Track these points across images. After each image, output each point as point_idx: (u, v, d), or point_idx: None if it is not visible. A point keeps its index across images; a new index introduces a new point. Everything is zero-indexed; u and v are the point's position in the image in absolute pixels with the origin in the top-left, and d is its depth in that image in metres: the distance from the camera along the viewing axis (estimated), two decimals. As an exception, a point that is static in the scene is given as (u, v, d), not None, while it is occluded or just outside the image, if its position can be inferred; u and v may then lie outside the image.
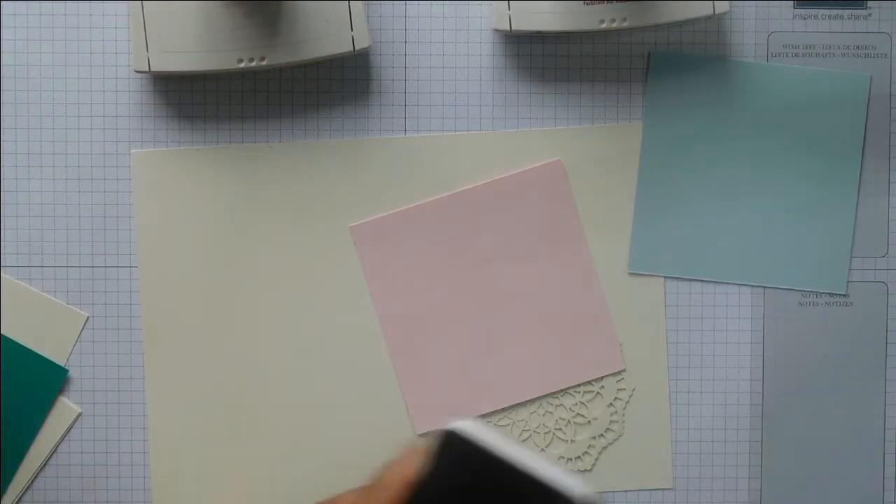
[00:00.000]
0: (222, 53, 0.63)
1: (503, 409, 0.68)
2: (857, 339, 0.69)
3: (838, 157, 0.68)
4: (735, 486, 0.69)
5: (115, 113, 0.67)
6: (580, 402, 0.68)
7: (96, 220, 0.67)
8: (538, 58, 0.68)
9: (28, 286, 0.67)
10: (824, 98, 0.68)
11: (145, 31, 0.63)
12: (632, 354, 0.68)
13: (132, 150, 0.67)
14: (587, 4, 0.63)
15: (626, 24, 0.64)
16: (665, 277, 0.68)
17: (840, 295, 0.68)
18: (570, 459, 0.68)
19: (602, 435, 0.68)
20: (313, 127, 0.67)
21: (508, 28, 0.64)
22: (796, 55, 0.68)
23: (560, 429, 0.68)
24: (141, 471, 0.67)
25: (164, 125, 0.67)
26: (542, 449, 0.68)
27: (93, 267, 0.67)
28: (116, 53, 0.67)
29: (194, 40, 0.63)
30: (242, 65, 0.63)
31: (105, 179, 0.67)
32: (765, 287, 0.68)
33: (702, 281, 0.68)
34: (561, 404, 0.68)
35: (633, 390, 0.68)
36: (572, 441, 0.68)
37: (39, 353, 0.66)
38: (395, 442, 0.67)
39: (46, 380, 0.66)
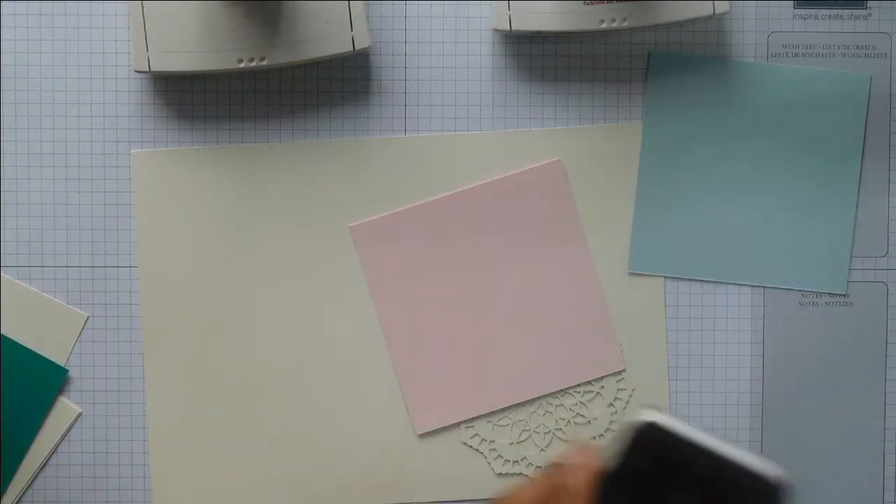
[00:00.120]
0: (222, 53, 0.63)
1: (503, 409, 0.68)
2: (857, 339, 0.69)
3: (838, 157, 0.68)
4: (735, 486, 0.69)
5: (115, 113, 0.67)
6: (580, 402, 0.68)
7: (96, 220, 0.67)
8: (538, 58, 0.68)
9: (28, 286, 0.67)
10: (824, 98, 0.68)
11: (145, 31, 0.63)
12: (632, 354, 0.68)
13: (132, 150, 0.67)
14: (587, 4, 0.63)
15: (626, 24, 0.64)
16: (665, 277, 0.68)
17: (840, 295, 0.68)
18: (570, 459, 0.68)
19: (602, 435, 0.68)
20: (313, 127, 0.67)
21: (508, 28, 0.64)
22: (796, 55, 0.68)
23: (560, 429, 0.68)
24: (141, 471, 0.67)
25: (164, 125, 0.67)
26: (543, 449, 0.68)
27: (93, 267, 0.67)
28: (116, 53, 0.67)
29: (194, 40, 0.63)
30: (242, 65, 0.63)
31: (105, 179, 0.67)
32: (765, 287, 0.68)
33: (702, 281, 0.68)
34: (561, 404, 0.68)
35: (633, 390, 0.68)
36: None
37: (39, 353, 0.66)
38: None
39: (46, 380, 0.66)
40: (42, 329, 0.67)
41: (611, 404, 0.68)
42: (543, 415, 0.68)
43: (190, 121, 0.67)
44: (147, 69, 0.63)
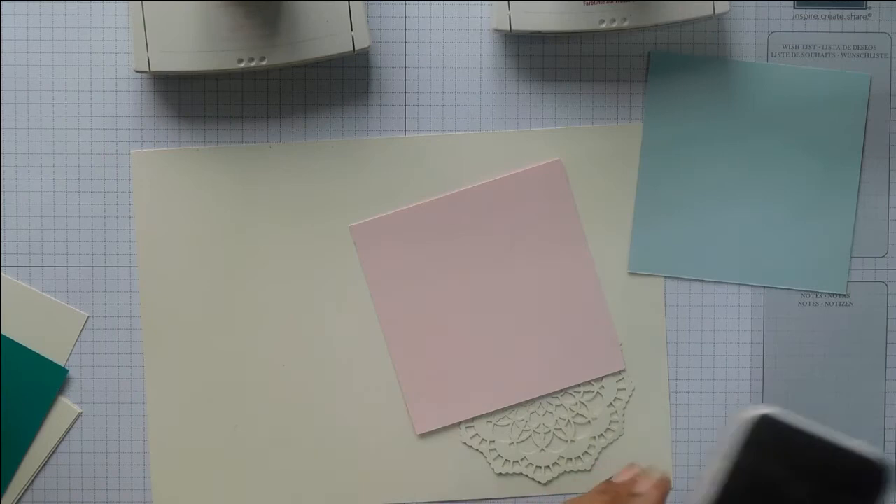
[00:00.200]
0: (222, 53, 0.63)
1: (503, 409, 0.68)
2: (857, 339, 0.69)
3: (838, 157, 0.68)
4: (735, 486, 0.69)
5: (115, 113, 0.67)
6: (580, 402, 0.68)
7: (96, 220, 0.67)
8: (538, 58, 0.68)
9: (28, 286, 0.67)
10: (824, 98, 0.68)
11: (145, 31, 0.63)
12: (632, 354, 0.68)
13: (132, 150, 0.67)
14: (587, 4, 0.63)
15: (626, 24, 0.64)
16: (665, 277, 0.68)
17: (840, 295, 0.68)
18: (570, 459, 0.68)
19: (602, 435, 0.68)
20: (313, 127, 0.67)
21: (508, 28, 0.64)
22: (796, 55, 0.68)
23: (560, 429, 0.68)
24: (141, 471, 0.67)
25: (164, 125, 0.67)
26: (543, 449, 0.68)
27: (93, 267, 0.67)
28: (116, 53, 0.67)
29: (194, 40, 0.63)
30: (242, 65, 0.63)
31: (105, 179, 0.67)
32: (765, 287, 0.68)
33: (702, 281, 0.68)
34: (561, 404, 0.68)
35: (633, 390, 0.68)
36: (572, 441, 0.68)
37: (39, 353, 0.66)
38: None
39: (46, 380, 0.66)
40: (42, 329, 0.67)
41: (611, 404, 0.68)
42: (543, 415, 0.68)
43: (190, 121, 0.67)
44: (147, 69, 0.63)
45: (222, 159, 0.67)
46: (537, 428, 0.68)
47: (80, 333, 0.67)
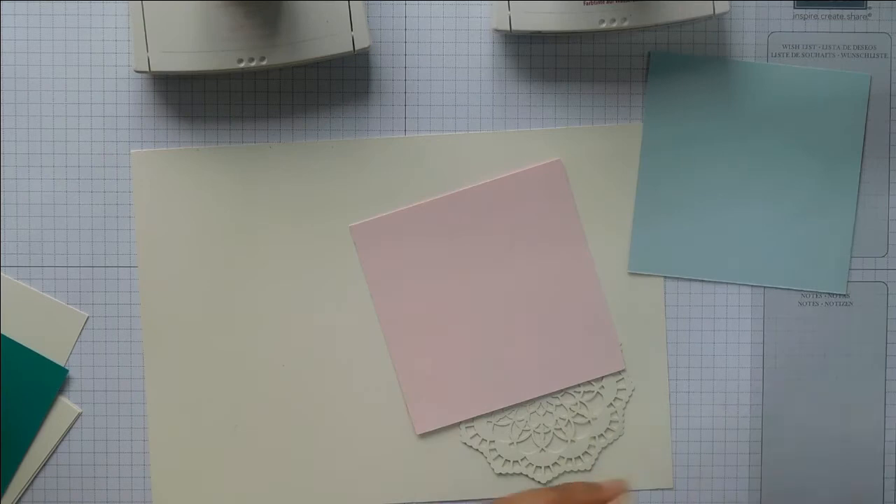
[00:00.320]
0: (222, 53, 0.63)
1: (503, 409, 0.68)
2: (857, 339, 0.69)
3: (838, 157, 0.68)
4: (735, 486, 0.69)
5: (115, 113, 0.67)
6: (580, 402, 0.68)
7: (96, 220, 0.67)
8: (538, 58, 0.68)
9: (28, 286, 0.67)
10: (824, 98, 0.68)
11: (145, 31, 0.63)
12: (632, 354, 0.68)
13: (132, 150, 0.67)
14: (587, 4, 0.63)
15: (626, 24, 0.64)
16: (665, 277, 0.68)
17: (840, 295, 0.68)
18: (570, 459, 0.68)
19: (602, 435, 0.68)
20: (313, 127, 0.67)
21: (508, 28, 0.64)
22: (796, 55, 0.68)
23: (560, 429, 0.68)
24: (141, 471, 0.67)
25: (164, 125, 0.67)
26: (542, 449, 0.68)
27: (93, 267, 0.67)
28: (116, 53, 0.67)
29: (194, 40, 0.63)
30: (242, 65, 0.63)
31: (105, 179, 0.67)
32: (765, 287, 0.68)
33: (702, 281, 0.68)
34: (561, 404, 0.68)
35: (633, 390, 0.68)
36: (572, 441, 0.68)
37: (39, 353, 0.66)
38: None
39: (46, 380, 0.66)
40: (42, 329, 0.67)
41: (611, 404, 0.68)
42: (543, 415, 0.68)
43: (190, 121, 0.67)
44: (147, 69, 0.63)
45: (222, 159, 0.67)
46: (537, 428, 0.68)
47: (80, 333, 0.67)
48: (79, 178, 0.67)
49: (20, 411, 0.66)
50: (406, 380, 0.67)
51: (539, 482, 0.68)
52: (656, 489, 0.68)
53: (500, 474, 0.68)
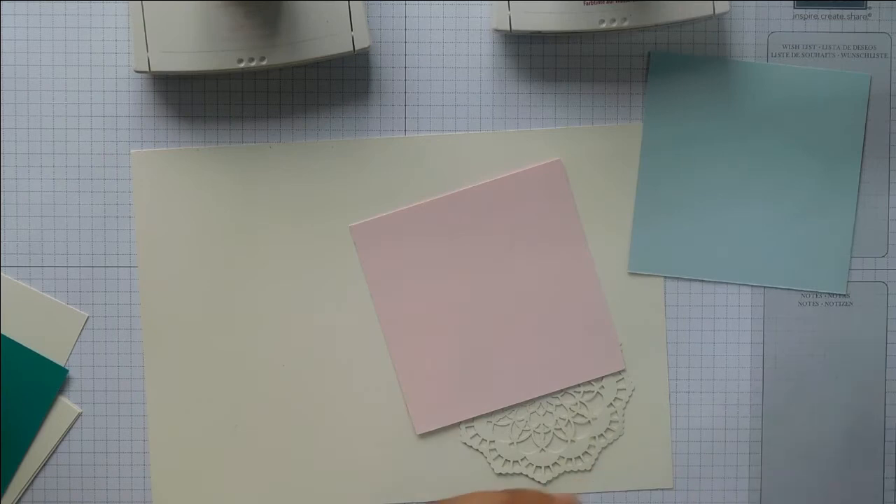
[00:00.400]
0: (222, 53, 0.63)
1: (503, 409, 0.68)
2: (857, 339, 0.69)
3: (838, 157, 0.68)
4: (735, 486, 0.69)
5: (115, 113, 0.67)
6: (580, 402, 0.68)
7: (96, 220, 0.67)
8: (538, 58, 0.68)
9: (28, 286, 0.67)
10: (824, 98, 0.68)
11: (145, 31, 0.63)
12: (632, 354, 0.68)
13: (132, 150, 0.67)
14: (587, 4, 0.63)
15: (626, 24, 0.64)
16: (665, 277, 0.68)
17: (840, 295, 0.68)
18: (570, 459, 0.68)
19: (602, 435, 0.68)
20: (313, 127, 0.67)
21: (508, 28, 0.64)
22: (796, 55, 0.68)
23: (560, 429, 0.68)
24: (141, 471, 0.67)
25: (164, 125, 0.67)
26: (543, 449, 0.68)
27: (93, 267, 0.67)
28: (116, 53, 0.67)
29: (194, 40, 0.63)
30: (242, 65, 0.63)
31: (105, 179, 0.67)
32: (765, 287, 0.68)
33: (702, 281, 0.68)
34: (561, 404, 0.68)
35: (633, 390, 0.68)
36: (572, 441, 0.68)
37: (39, 353, 0.66)
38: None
39: (46, 380, 0.66)
40: (42, 329, 0.67)
41: (611, 404, 0.68)
42: (543, 415, 0.68)
43: (190, 121, 0.67)
44: (147, 69, 0.63)
45: (222, 159, 0.67)
46: (537, 428, 0.68)
47: (80, 333, 0.67)
48: (79, 178, 0.67)
49: (20, 411, 0.66)
50: (406, 380, 0.67)
51: (539, 482, 0.68)
52: (656, 489, 0.68)
53: (500, 474, 0.68)
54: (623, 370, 0.68)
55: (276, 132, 0.67)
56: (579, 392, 0.68)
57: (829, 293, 0.68)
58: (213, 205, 0.67)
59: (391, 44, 0.67)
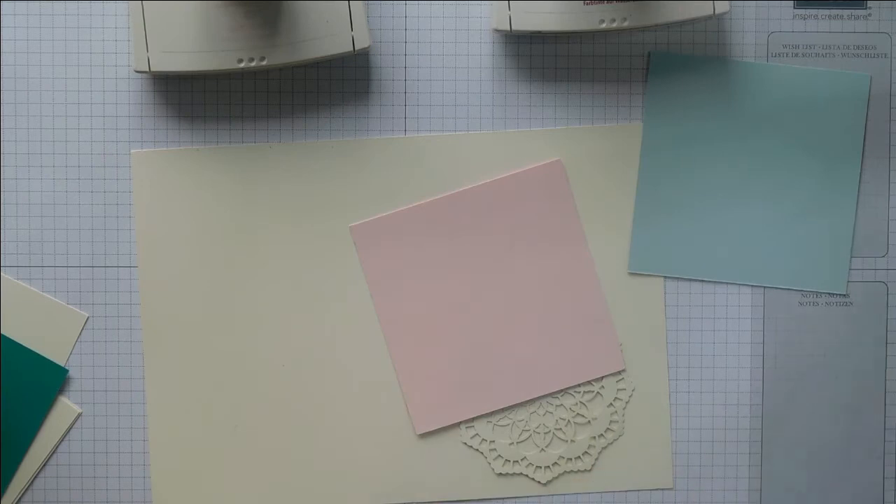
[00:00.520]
0: (222, 53, 0.63)
1: (503, 409, 0.68)
2: (857, 339, 0.69)
3: (838, 157, 0.68)
4: (735, 486, 0.69)
5: (115, 113, 0.67)
6: (580, 402, 0.68)
7: (96, 220, 0.67)
8: (538, 58, 0.68)
9: (28, 286, 0.67)
10: (824, 98, 0.68)
11: (145, 31, 0.63)
12: (632, 354, 0.68)
13: (132, 150, 0.67)
14: (587, 4, 0.63)
15: (626, 24, 0.64)
16: (665, 277, 0.68)
17: (840, 295, 0.68)
18: (570, 459, 0.68)
19: (602, 435, 0.68)
20: (313, 127, 0.67)
21: (508, 28, 0.64)
22: (796, 55, 0.68)
23: (560, 429, 0.68)
24: (141, 471, 0.67)
25: (164, 125, 0.67)
26: (543, 449, 0.68)
27: (93, 267, 0.67)
28: (116, 53, 0.67)
29: (194, 40, 0.63)
30: (242, 65, 0.63)
31: (105, 179, 0.67)
32: (765, 287, 0.68)
33: (702, 281, 0.68)
34: (561, 404, 0.68)
35: (633, 390, 0.68)
36: (572, 441, 0.68)
37: (39, 353, 0.67)
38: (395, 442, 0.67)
39: (46, 380, 0.66)
40: (42, 329, 0.67)
41: (611, 404, 0.68)
42: (543, 415, 0.68)
43: (190, 121, 0.67)
44: (147, 69, 0.63)
45: (222, 159, 0.67)
46: (537, 428, 0.68)
47: (80, 333, 0.67)
48: (79, 178, 0.67)
49: (20, 411, 0.66)
50: (406, 380, 0.67)
51: (539, 482, 0.68)
52: (656, 489, 0.69)
53: (500, 474, 0.68)
54: (623, 370, 0.68)
55: (276, 132, 0.67)
56: (579, 392, 0.68)
57: (829, 293, 0.68)
58: (213, 205, 0.67)
59: (391, 44, 0.67)
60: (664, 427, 0.68)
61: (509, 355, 0.67)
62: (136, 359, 0.67)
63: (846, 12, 0.68)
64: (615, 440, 0.68)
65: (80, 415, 0.67)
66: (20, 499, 0.67)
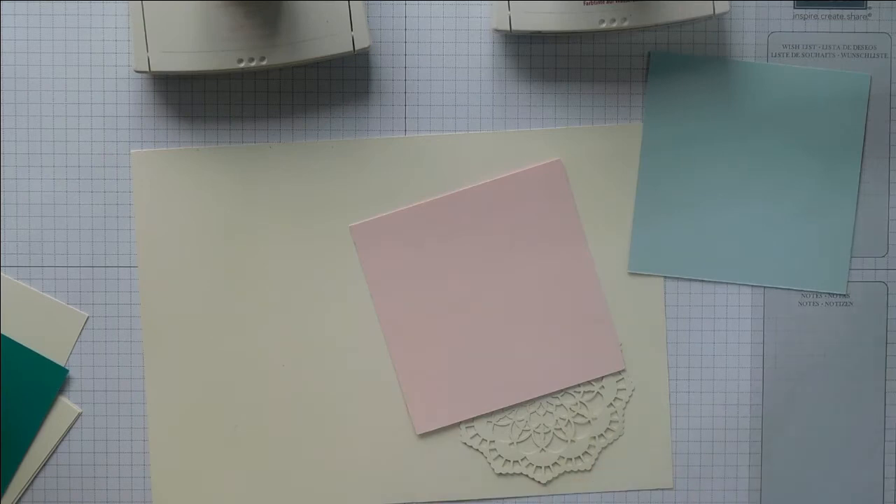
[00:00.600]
0: (222, 53, 0.63)
1: (503, 409, 0.68)
2: (857, 339, 0.69)
3: (838, 157, 0.68)
4: (735, 486, 0.69)
5: (115, 113, 0.67)
6: (580, 402, 0.68)
7: (96, 220, 0.67)
8: (538, 58, 0.68)
9: (28, 286, 0.67)
10: (824, 98, 0.68)
11: (145, 31, 0.63)
12: (632, 354, 0.68)
13: (132, 150, 0.67)
14: (587, 4, 0.63)
15: (626, 24, 0.64)
16: (665, 277, 0.68)
17: (840, 295, 0.68)
18: (570, 459, 0.68)
19: (602, 435, 0.68)
20: (313, 127, 0.67)
21: (508, 28, 0.64)
22: (796, 55, 0.68)
23: (560, 429, 0.68)
24: (141, 471, 0.67)
25: (164, 125, 0.67)
26: (543, 449, 0.68)
27: (93, 267, 0.67)
28: (116, 53, 0.67)
29: (194, 40, 0.63)
30: (242, 65, 0.63)
31: (105, 179, 0.67)
32: (765, 287, 0.68)
33: (702, 281, 0.68)
34: (561, 404, 0.68)
35: (633, 390, 0.68)
36: (572, 441, 0.68)
37: (39, 353, 0.67)
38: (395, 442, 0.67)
39: (46, 380, 0.66)
40: (42, 329, 0.67)
41: (611, 404, 0.68)
42: (543, 415, 0.68)
43: (190, 121, 0.67)
44: (147, 69, 0.63)
45: (222, 159, 0.67)
46: (537, 428, 0.68)
47: (80, 333, 0.67)
48: (79, 178, 0.67)
49: (20, 411, 0.66)
50: (406, 380, 0.67)
51: (539, 482, 0.68)
52: (656, 489, 0.69)
53: (500, 474, 0.68)
54: (623, 370, 0.68)
55: (276, 132, 0.67)
56: (579, 392, 0.68)
57: (829, 293, 0.68)
58: (213, 205, 0.67)
59: (391, 44, 0.67)
60: (664, 427, 0.68)
61: (509, 355, 0.67)
62: (136, 359, 0.67)
63: (846, 12, 0.68)
64: (615, 440, 0.68)
65: (80, 415, 0.67)
66: (20, 499, 0.67)
